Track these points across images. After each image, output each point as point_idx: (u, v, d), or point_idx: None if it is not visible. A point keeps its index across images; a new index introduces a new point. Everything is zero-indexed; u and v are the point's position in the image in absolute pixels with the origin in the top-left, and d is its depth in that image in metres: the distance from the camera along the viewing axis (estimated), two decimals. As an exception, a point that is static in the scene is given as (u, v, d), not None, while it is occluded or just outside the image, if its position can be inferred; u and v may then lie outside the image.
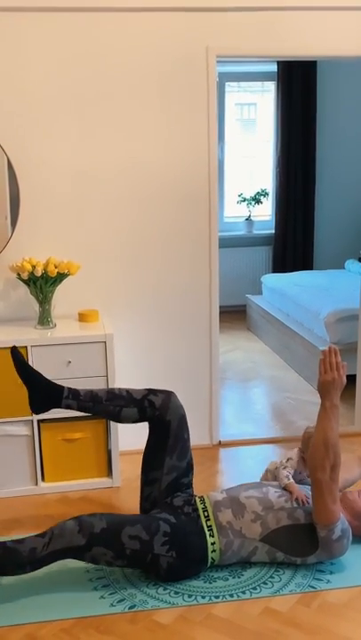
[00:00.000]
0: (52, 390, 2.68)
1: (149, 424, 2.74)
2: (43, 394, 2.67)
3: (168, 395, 2.73)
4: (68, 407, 2.70)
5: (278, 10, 3.25)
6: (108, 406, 2.69)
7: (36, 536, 2.42)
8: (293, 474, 2.70)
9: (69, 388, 2.70)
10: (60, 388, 2.69)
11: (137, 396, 2.71)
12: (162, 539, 2.43)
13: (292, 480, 2.65)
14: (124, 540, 2.40)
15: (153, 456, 2.71)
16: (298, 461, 2.74)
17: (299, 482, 2.71)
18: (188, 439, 2.74)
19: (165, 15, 3.20)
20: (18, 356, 2.67)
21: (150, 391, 2.73)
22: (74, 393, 2.69)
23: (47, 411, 2.72)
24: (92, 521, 2.43)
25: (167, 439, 2.68)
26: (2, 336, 3.11)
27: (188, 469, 2.74)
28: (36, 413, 2.74)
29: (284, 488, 2.63)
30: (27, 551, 2.37)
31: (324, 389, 2.49)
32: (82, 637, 2.24)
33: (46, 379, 2.71)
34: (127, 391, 2.73)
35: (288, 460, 2.74)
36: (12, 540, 2.42)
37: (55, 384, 2.71)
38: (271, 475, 2.82)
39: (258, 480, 2.87)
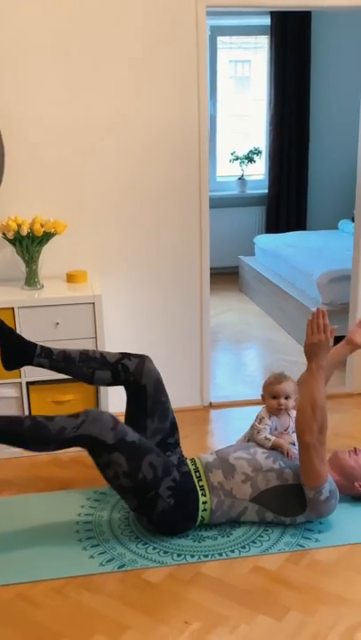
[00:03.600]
0: (24, 347, 2.67)
1: (125, 389, 2.73)
2: (15, 350, 2.67)
3: (142, 359, 2.70)
4: (40, 365, 2.70)
5: None
6: (82, 368, 2.68)
7: (69, 416, 2.42)
8: (270, 431, 2.68)
9: (42, 346, 2.69)
10: (34, 345, 2.69)
11: (111, 359, 2.68)
12: (170, 483, 2.44)
13: (273, 437, 2.64)
14: (144, 464, 2.40)
15: (134, 421, 2.68)
16: (270, 417, 2.71)
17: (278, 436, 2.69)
18: (166, 401, 2.73)
19: None
20: None
21: (125, 355, 2.70)
22: (46, 351, 2.68)
23: (19, 367, 2.74)
24: (127, 430, 2.44)
25: (145, 403, 2.66)
26: (-12, 297, 3.06)
27: (173, 429, 2.75)
28: (8, 370, 2.74)
29: (272, 448, 2.61)
30: (56, 429, 2.38)
31: (310, 351, 2.48)
32: (73, 596, 2.25)
33: (19, 335, 2.71)
34: (101, 354, 2.71)
35: (261, 420, 2.70)
36: (44, 416, 2.43)
37: (28, 341, 2.70)
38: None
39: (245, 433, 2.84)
